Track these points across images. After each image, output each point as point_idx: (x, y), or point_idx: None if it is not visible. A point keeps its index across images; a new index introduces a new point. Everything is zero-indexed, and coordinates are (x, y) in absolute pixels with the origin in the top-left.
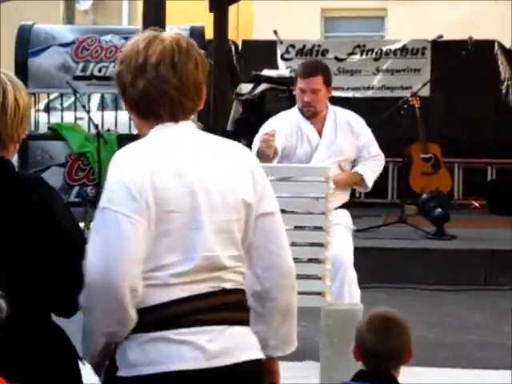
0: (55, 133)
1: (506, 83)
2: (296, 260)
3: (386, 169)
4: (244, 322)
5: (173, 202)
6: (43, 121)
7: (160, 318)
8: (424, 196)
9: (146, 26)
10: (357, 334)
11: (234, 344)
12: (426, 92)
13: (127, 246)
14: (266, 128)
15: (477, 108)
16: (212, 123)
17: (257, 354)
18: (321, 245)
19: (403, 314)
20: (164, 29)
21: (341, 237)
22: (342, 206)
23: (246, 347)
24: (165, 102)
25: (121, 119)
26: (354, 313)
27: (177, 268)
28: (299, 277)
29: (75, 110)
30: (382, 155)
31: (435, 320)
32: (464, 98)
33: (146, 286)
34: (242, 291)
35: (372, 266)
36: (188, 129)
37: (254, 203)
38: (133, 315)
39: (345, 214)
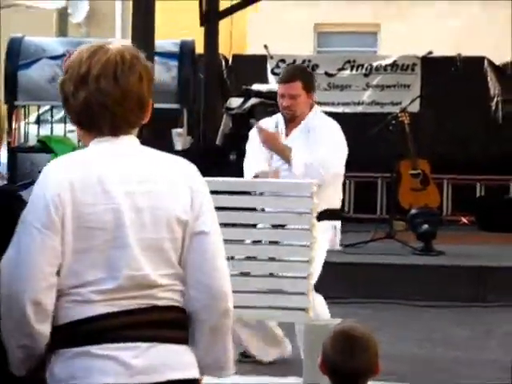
0: (44, 145)
1: (495, 100)
2: (281, 276)
3: (375, 184)
4: (178, 340)
5: (94, 218)
6: (33, 133)
7: (84, 332)
8: (412, 211)
9: (134, 38)
10: (322, 349)
11: (162, 362)
12: (415, 108)
13: (32, 259)
14: (253, 135)
15: (466, 124)
16: (202, 137)
17: (189, 373)
18: (305, 261)
19: (389, 330)
20: (153, 42)
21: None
22: (328, 218)
23: (177, 366)
24: (105, 114)
25: None
26: (330, 328)
27: (100, 286)
28: (284, 293)
29: (65, 123)
30: (329, 175)
31: (422, 336)
32: (453, 114)
33: (69, 301)
34: (179, 309)
35: (359, 281)
36: (128, 143)
37: (189, 221)
38: (42, 330)
39: (327, 231)
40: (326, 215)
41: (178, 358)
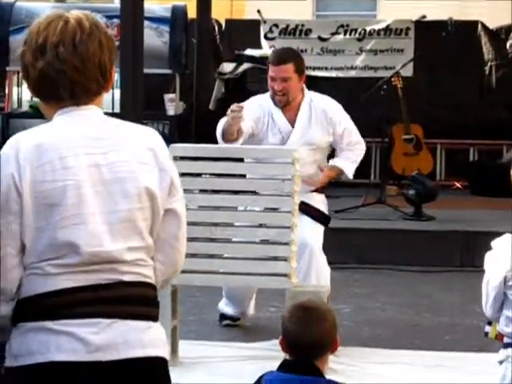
0: (36, 111)
1: (489, 64)
2: (263, 242)
3: (368, 149)
4: (144, 317)
5: (54, 195)
6: (26, 99)
7: (42, 307)
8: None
9: (125, 4)
10: (282, 324)
11: (123, 339)
12: (409, 72)
13: None
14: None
15: (460, 89)
16: (195, 102)
17: (152, 351)
18: (287, 227)
19: (378, 295)
20: (143, 7)
21: (310, 220)
22: (316, 190)
23: (140, 343)
24: (64, 83)
25: (104, 97)
26: (319, 294)
27: (61, 260)
28: (266, 258)
29: None
30: (363, 142)
31: (409, 302)
32: (447, 78)
33: (28, 275)
34: (146, 284)
35: (349, 246)
36: (91, 113)
37: (159, 194)
38: (5, 311)
39: (320, 199)
40: (322, 188)
41: (142, 336)
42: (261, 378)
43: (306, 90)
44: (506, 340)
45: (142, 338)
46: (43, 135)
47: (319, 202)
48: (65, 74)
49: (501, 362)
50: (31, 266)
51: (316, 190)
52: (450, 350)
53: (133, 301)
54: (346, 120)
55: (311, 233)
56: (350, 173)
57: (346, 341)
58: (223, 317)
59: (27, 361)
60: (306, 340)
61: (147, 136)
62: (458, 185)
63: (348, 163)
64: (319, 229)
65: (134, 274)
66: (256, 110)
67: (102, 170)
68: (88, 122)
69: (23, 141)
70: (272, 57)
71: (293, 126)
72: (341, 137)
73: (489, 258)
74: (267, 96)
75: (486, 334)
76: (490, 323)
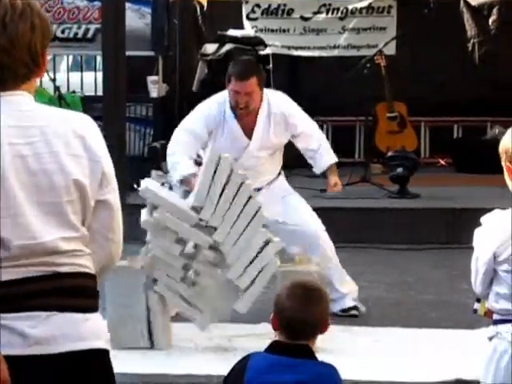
0: None
1: (472, 41)
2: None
3: (352, 128)
4: (83, 309)
5: None
6: None
7: None
8: (389, 154)
9: None
10: (277, 302)
11: (62, 332)
12: (391, 50)
13: None
14: (193, 116)
15: (443, 66)
16: (178, 84)
17: (92, 344)
18: None
19: (365, 274)
20: None
21: (300, 209)
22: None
23: (79, 336)
24: None
25: (86, 80)
26: (310, 274)
27: None
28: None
29: None
30: (316, 125)
31: (395, 280)
32: (430, 56)
33: None
34: (84, 275)
35: (334, 225)
36: (19, 99)
37: (88, 186)
38: None
39: (283, 184)
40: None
41: (81, 328)
42: (247, 357)
43: (264, 93)
44: (495, 317)
45: (79, 331)
46: None
47: (285, 187)
48: None
49: (490, 339)
50: None
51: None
52: (438, 327)
53: (70, 292)
54: (302, 118)
55: (313, 221)
56: (335, 159)
57: (332, 320)
58: None
59: None
60: (302, 318)
61: (78, 124)
62: (442, 162)
63: (329, 156)
64: (312, 212)
65: (70, 265)
66: (211, 119)
67: (27, 160)
68: (15, 109)
69: None
70: (234, 72)
71: (249, 135)
72: (302, 138)
73: (478, 234)
74: (226, 101)
75: (475, 311)
76: (478, 300)
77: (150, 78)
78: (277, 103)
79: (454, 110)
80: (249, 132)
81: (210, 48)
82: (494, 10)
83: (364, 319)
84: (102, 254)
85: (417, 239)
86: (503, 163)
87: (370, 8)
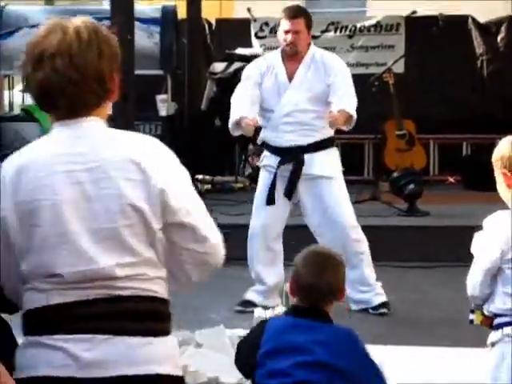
0: (28, 114)
1: (480, 58)
2: None
3: (361, 146)
4: (141, 333)
5: (33, 215)
6: (18, 102)
7: (38, 322)
8: (395, 174)
9: (115, 5)
10: (294, 267)
11: (117, 356)
12: (400, 68)
13: None
14: (247, 72)
15: (451, 84)
16: (186, 102)
17: (147, 369)
18: None
19: None
20: (133, 8)
21: (334, 198)
22: (325, 146)
23: (134, 360)
24: (61, 96)
25: None
26: None
27: (50, 279)
28: None
29: None
30: (352, 90)
31: (404, 297)
32: (439, 74)
33: (25, 290)
34: (148, 298)
35: None
36: (85, 126)
37: (147, 209)
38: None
39: (327, 162)
40: (330, 142)
41: (137, 352)
42: (263, 322)
43: (311, 46)
44: (498, 320)
45: (135, 355)
46: (27, 154)
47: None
48: (61, 87)
49: (493, 344)
50: (27, 282)
51: (325, 145)
52: (448, 345)
53: (129, 316)
54: (345, 72)
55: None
56: (352, 112)
57: None
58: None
59: (22, 374)
60: (321, 284)
61: (138, 149)
62: (451, 180)
63: (350, 104)
64: (346, 200)
65: (131, 288)
66: (262, 65)
67: (85, 187)
68: (80, 136)
69: (8, 163)
70: (286, 12)
71: (291, 78)
72: (337, 85)
73: (478, 238)
74: (277, 51)
75: (471, 321)
76: (472, 311)
77: (159, 97)
78: (322, 53)
79: (462, 128)
80: (292, 76)
81: (218, 66)
82: (503, 28)
83: (373, 337)
84: (196, 263)
85: (426, 257)
86: (498, 171)
87: (378, 26)
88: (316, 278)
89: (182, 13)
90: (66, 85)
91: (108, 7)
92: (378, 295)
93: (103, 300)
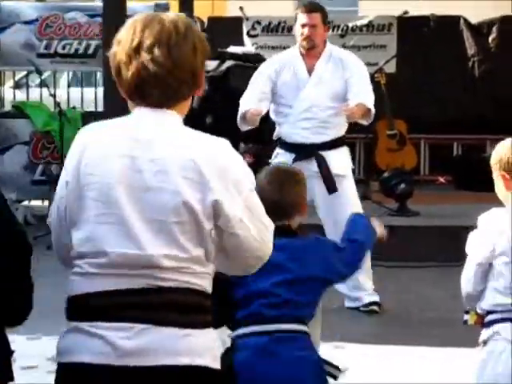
0: (19, 111)
1: (472, 59)
2: None
3: (352, 146)
4: (181, 324)
5: (93, 190)
6: (9, 98)
7: (80, 308)
8: (386, 173)
9: (108, 2)
10: (256, 186)
11: (155, 346)
12: (392, 68)
13: (54, 230)
14: (260, 68)
15: (443, 84)
16: None
17: (184, 360)
18: None
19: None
20: (125, 5)
21: (346, 197)
22: (338, 145)
23: (172, 351)
24: (157, 85)
25: (87, 97)
26: None
27: (93, 259)
28: None
29: (41, 88)
30: (370, 87)
31: (394, 297)
32: (430, 74)
33: (73, 273)
34: (189, 291)
35: None
36: (166, 118)
37: (200, 210)
38: None
39: (340, 160)
40: (342, 141)
41: (176, 343)
42: None
43: (327, 43)
44: (490, 317)
45: (173, 346)
46: (101, 128)
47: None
48: (159, 77)
49: (485, 342)
50: (74, 264)
51: (338, 144)
52: (439, 345)
53: (171, 307)
54: (359, 68)
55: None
56: (370, 105)
57: (333, 337)
58: None
59: (63, 359)
60: (285, 199)
61: (203, 150)
62: (442, 180)
63: (368, 98)
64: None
65: (174, 280)
66: (281, 61)
67: (145, 175)
68: (155, 126)
69: (84, 132)
70: (302, 6)
71: (310, 73)
72: (354, 79)
73: (473, 236)
74: (295, 47)
75: (465, 322)
76: (467, 312)
77: None
78: (339, 50)
79: (453, 128)
80: (311, 71)
81: (210, 65)
82: (494, 28)
83: (364, 337)
84: (240, 266)
85: (417, 257)
86: (497, 173)
87: (370, 26)
88: (279, 194)
89: (174, 11)
90: (163, 74)
91: (100, 4)
92: (369, 295)
93: (148, 290)
